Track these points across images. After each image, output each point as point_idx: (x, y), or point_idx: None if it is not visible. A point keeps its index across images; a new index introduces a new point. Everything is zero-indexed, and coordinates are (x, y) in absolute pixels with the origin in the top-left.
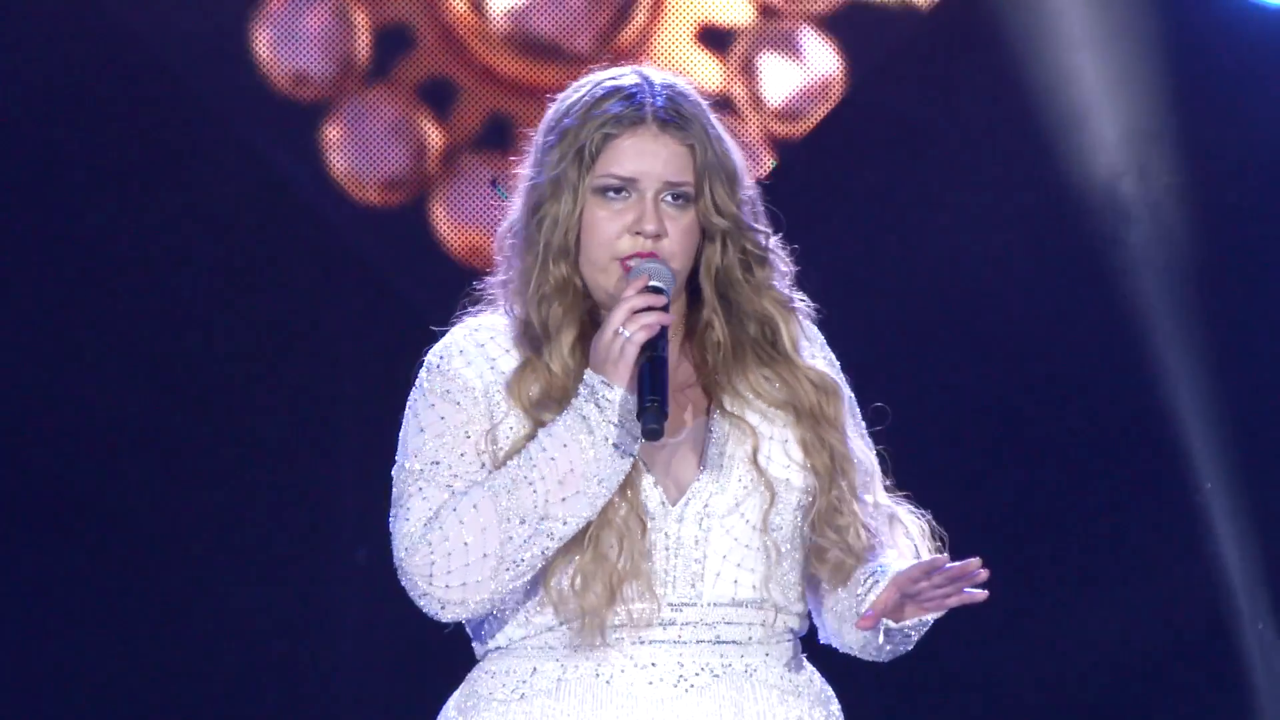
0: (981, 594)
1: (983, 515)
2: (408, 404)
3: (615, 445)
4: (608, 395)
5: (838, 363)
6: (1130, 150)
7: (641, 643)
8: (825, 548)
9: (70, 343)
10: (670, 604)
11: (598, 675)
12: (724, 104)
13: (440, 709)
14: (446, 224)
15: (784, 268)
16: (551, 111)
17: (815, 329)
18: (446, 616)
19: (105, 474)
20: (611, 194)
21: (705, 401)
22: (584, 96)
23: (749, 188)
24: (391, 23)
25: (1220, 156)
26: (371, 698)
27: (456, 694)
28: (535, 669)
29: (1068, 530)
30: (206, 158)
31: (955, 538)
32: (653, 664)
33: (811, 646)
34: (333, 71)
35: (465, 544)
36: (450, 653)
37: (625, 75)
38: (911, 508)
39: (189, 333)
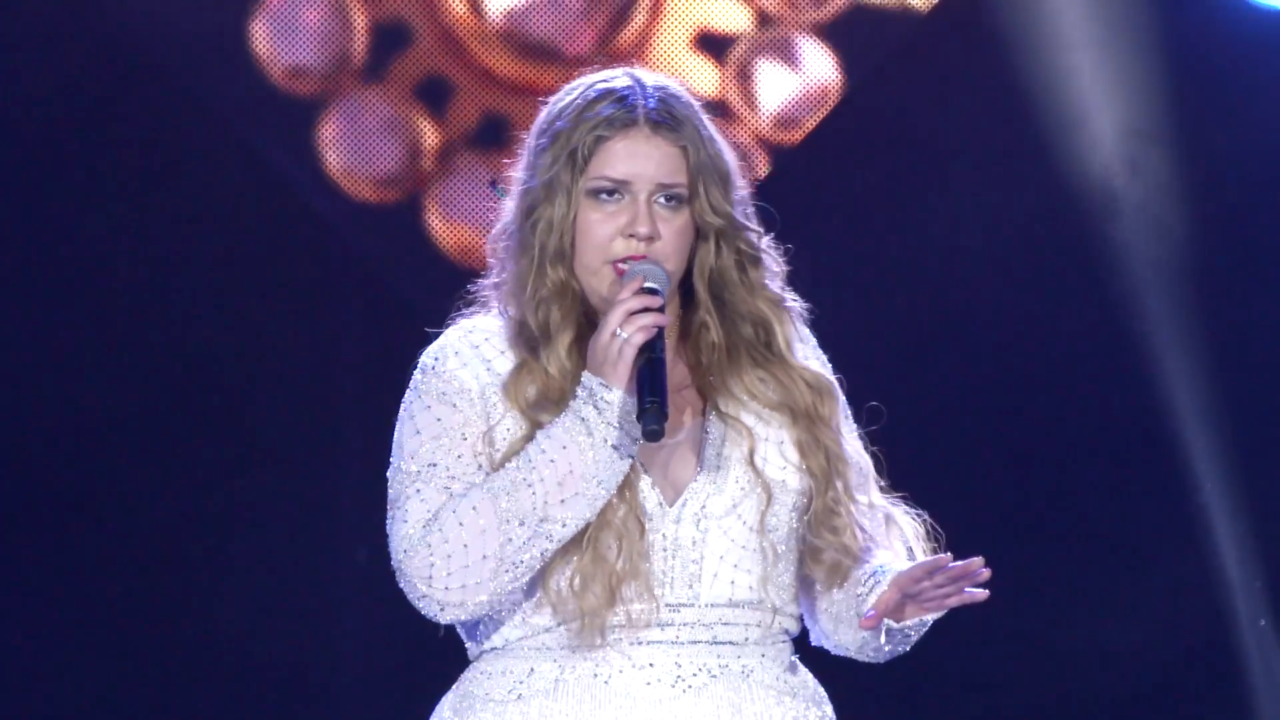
0: (982, 594)
1: (979, 516)
2: (402, 406)
3: (614, 447)
4: (606, 397)
5: (829, 364)
6: (1127, 151)
7: (639, 643)
8: (821, 549)
9: (65, 340)
10: (668, 605)
11: (596, 676)
12: (720, 109)
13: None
14: (440, 222)
15: (777, 268)
16: (544, 114)
17: (807, 330)
18: (446, 618)
19: (102, 473)
20: (604, 196)
21: (700, 403)
22: (576, 99)
23: (742, 188)
24: (389, 20)
25: (1217, 157)
26: (372, 697)
27: (450, 695)
28: (532, 669)
29: (1065, 531)
30: (202, 152)
31: (951, 539)
32: (650, 664)
33: (802, 649)
34: (330, 67)
35: (465, 546)
36: (450, 653)
37: (617, 77)
38: (907, 508)
39: (186, 330)
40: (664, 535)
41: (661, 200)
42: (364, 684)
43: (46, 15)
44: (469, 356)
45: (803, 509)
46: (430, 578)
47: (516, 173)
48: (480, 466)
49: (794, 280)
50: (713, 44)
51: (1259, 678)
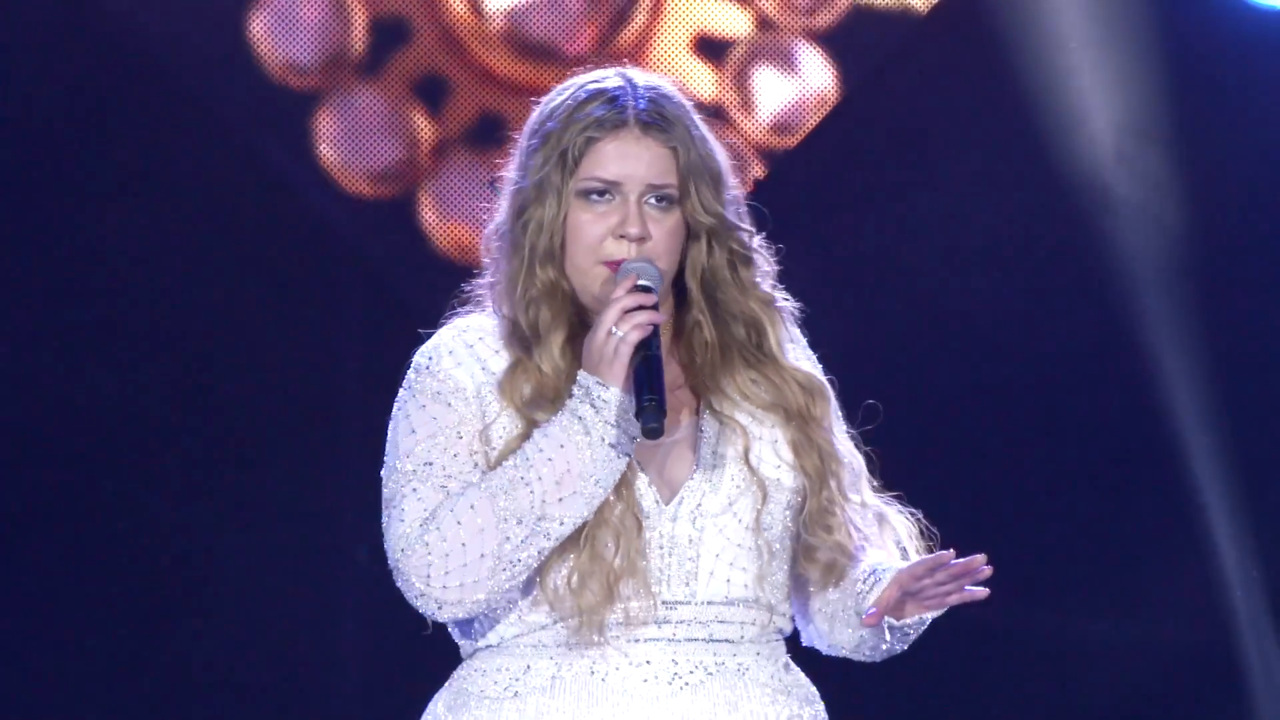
0: (983, 592)
1: (977, 517)
2: (396, 405)
3: (612, 445)
4: (603, 396)
5: (820, 364)
6: (1125, 151)
7: (636, 641)
8: (816, 547)
9: (60, 336)
10: (665, 602)
11: (593, 673)
12: (717, 113)
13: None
14: (434, 219)
15: (768, 267)
16: (535, 115)
17: (797, 330)
18: (443, 616)
19: (97, 472)
20: (595, 197)
21: (694, 402)
22: (566, 100)
23: (733, 188)
24: (389, 17)
25: (1215, 157)
26: (372, 697)
27: (444, 692)
28: (529, 667)
29: (1062, 531)
30: (199, 146)
31: (950, 539)
32: (647, 662)
33: (793, 649)
34: (328, 62)
35: (463, 544)
36: (451, 653)
37: (608, 78)
38: (900, 507)
39: (183, 328)
40: (660, 533)
41: (652, 201)
42: (364, 684)
43: (44, 8)
44: (463, 356)
45: (797, 508)
46: (428, 576)
47: (508, 173)
48: (476, 465)
49: (792, 281)
50: (711, 47)
51: (1258, 679)
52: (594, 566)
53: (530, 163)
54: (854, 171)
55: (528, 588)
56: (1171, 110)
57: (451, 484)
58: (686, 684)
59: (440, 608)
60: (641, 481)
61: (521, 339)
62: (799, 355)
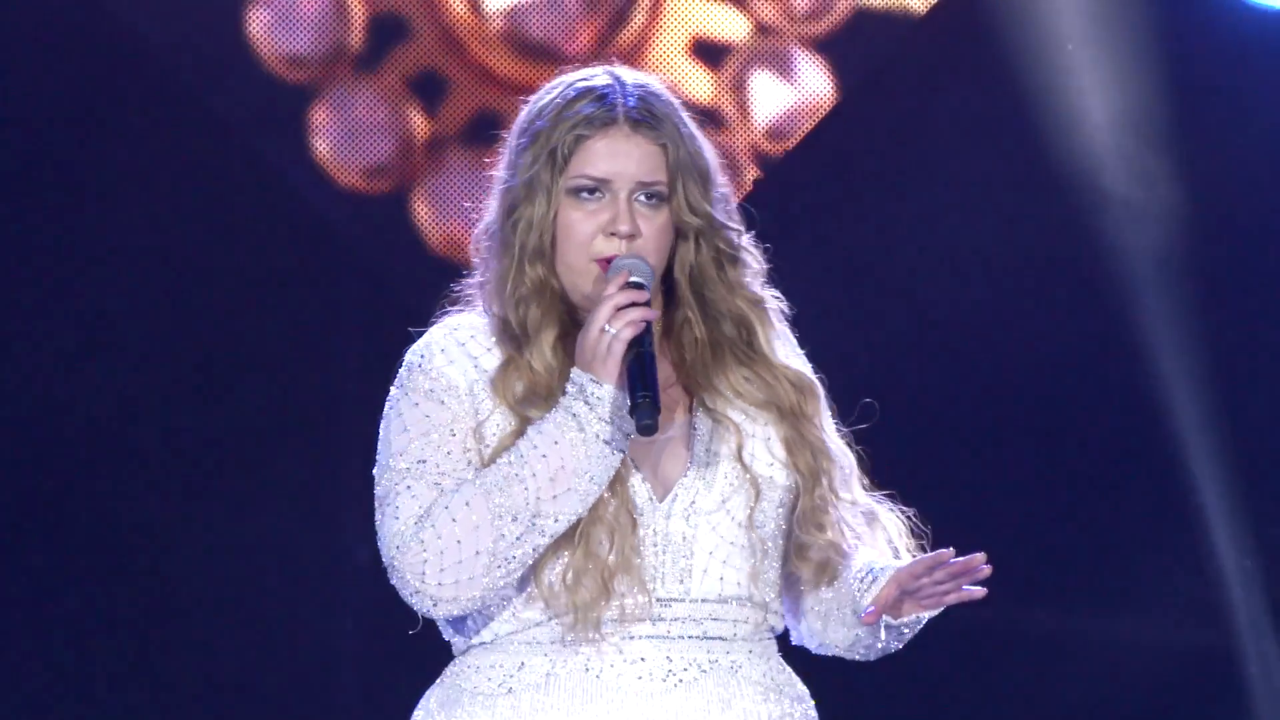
0: (980, 591)
1: (976, 517)
2: (388, 404)
3: (606, 442)
4: (597, 393)
5: (808, 363)
6: (1124, 152)
7: (631, 638)
8: (809, 545)
9: (57, 335)
10: (659, 599)
11: (587, 670)
12: (713, 117)
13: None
14: (427, 215)
15: (756, 265)
16: (524, 114)
17: (786, 328)
18: (439, 613)
19: (93, 472)
20: (585, 195)
21: (687, 400)
22: (555, 98)
23: (722, 186)
24: (388, 14)
25: (1213, 157)
26: (372, 697)
27: (435, 689)
28: (523, 664)
29: (1061, 531)
30: (194, 138)
31: (949, 540)
32: (642, 659)
33: (783, 648)
34: (326, 56)
35: (458, 542)
36: (448, 652)
37: (597, 76)
38: (891, 505)
39: (181, 327)
40: (655, 530)
41: (642, 198)
42: (364, 683)
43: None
44: (456, 354)
45: (789, 506)
46: (423, 574)
47: (497, 172)
48: (470, 463)
49: (793, 282)
50: (709, 51)
51: (1257, 679)
52: (588, 563)
53: (519, 161)
54: (853, 172)
55: (522, 585)
56: (1169, 110)
57: (445, 481)
58: (681, 681)
59: (435, 605)
60: (635, 479)
61: (513, 337)
62: (789, 354)
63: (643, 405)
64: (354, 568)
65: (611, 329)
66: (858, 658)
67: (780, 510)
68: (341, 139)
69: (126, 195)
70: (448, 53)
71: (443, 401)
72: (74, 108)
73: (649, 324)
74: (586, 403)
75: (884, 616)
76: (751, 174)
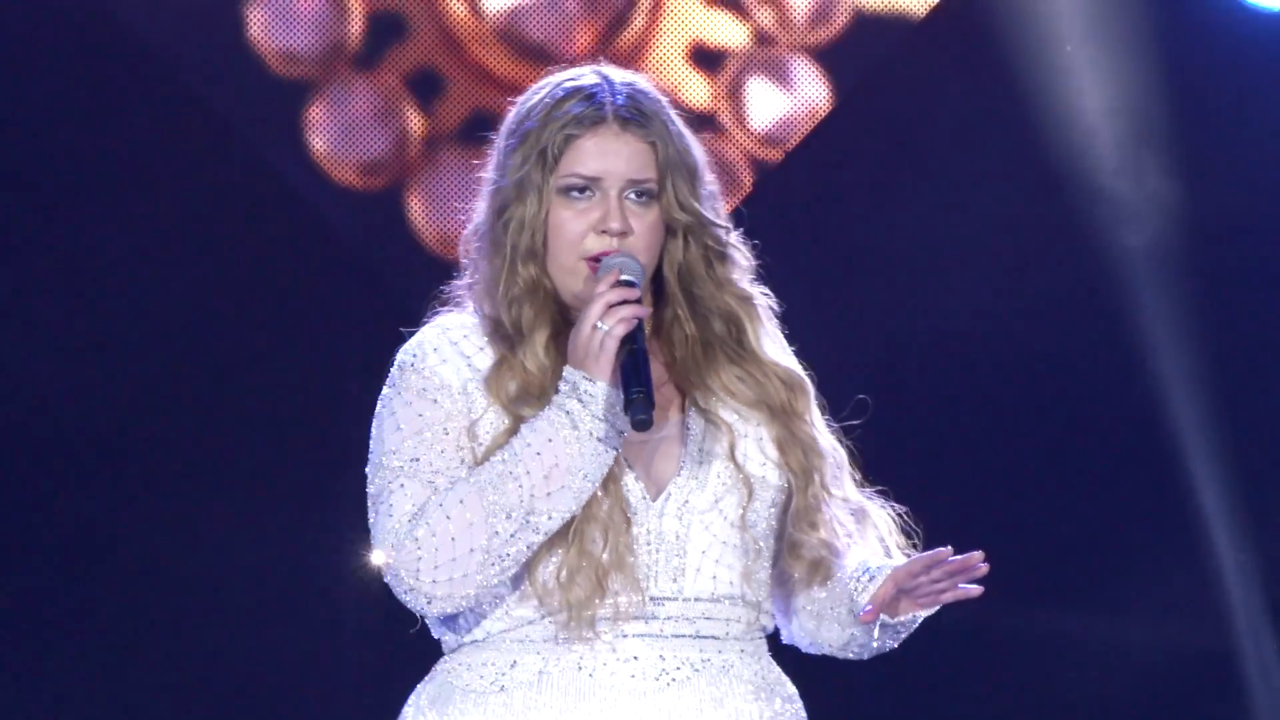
0: (976, 589)
1: (975, 517)
2: (380, 403)
3: (600, 439)
4: (590, 390)
5: (796, 360)
6: (1123, 152)
7: (624, 636)
8: (802, 544)
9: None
10: (652, 598)
11: (580, 668)
12: (708, 122)
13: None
14: (421, 213)
15: (745, 262)
16: (513, 114)
17: (774, 325)
18: (433, 611)
19: (96, 472)
20: (575, 194)
21: (679, 399)
22: (544, 98)
23: (709, 183)
24: (386, 11)
25: (1211, 158)
26: (372, 697)
27: (426, 685)
28: (515, 662)
29: (1060, 531)
30: (191, 133)
31: (945, 541)
32: (635, 658)
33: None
34: (323, 52)
35: (452, 539)
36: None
37: (585, 75)
38: (883, 502)
39: (179, 327)
40: (648, 529)
41: (632, 196)
42: (364, 683)
43: None
44: (448, 353)
45: (781, 505)
46: (418, 571)
47: (487, 173)
48: (463, 462)
49: (793, 282)
50: (707, 58)
51: (1256, 680)
52: (582, 561)
53: (509, 162)
54: (852, 173)
55: (515, 583)
56: (1167, 111)
57: (439, 480)
58: (673, 680)
59: (430, 602)
60: (629, 477)
61: (505, 337)
62: (776, 351)
63: (638, 400)
64: (352, 567)
65: (604, 326)
66: (851, 657)
67: (772, 510)
68: (338, 135)
69: (120, 187)
70: (446, 52)
71: (436, 400)
72: (71, 100)
73: (641, 321)
74: (580, 400)
75: (881, 615)
76: (747, 180)
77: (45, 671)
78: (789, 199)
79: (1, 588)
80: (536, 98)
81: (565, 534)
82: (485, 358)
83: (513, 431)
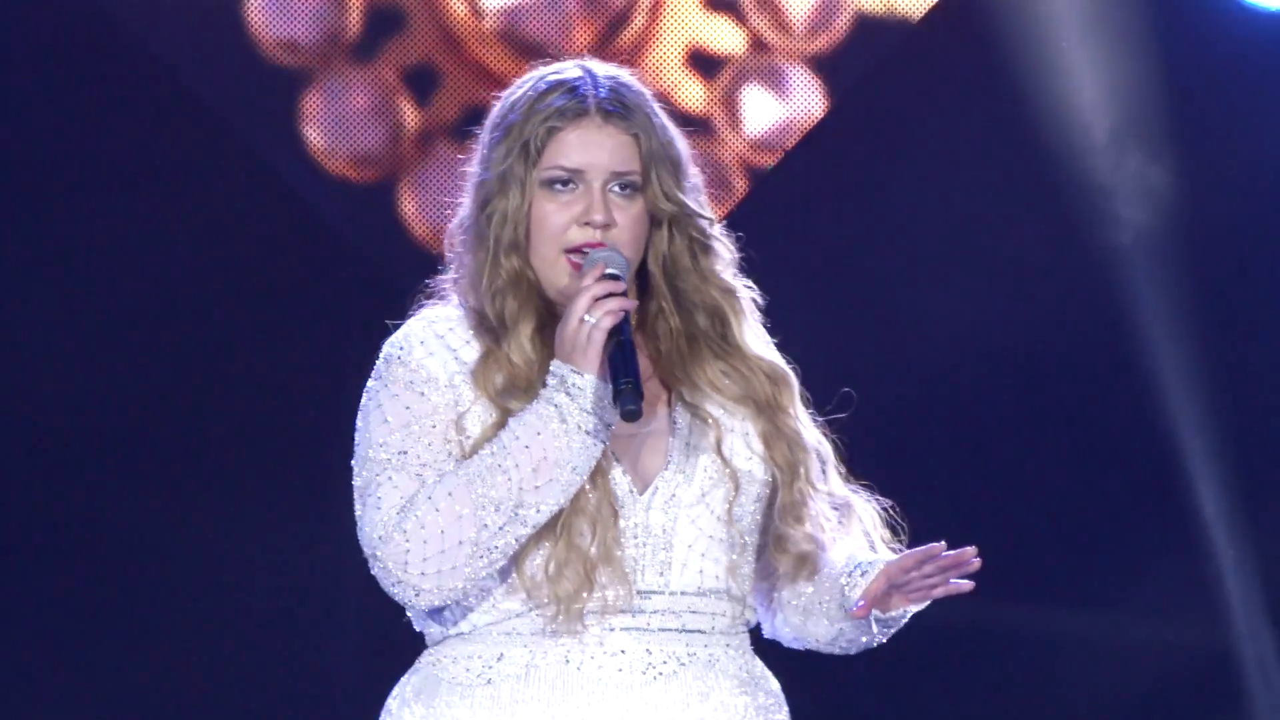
0: (967, 585)
1: (975, 517)
2: (366, 395)
3: (588, 432)
4: (578, 383)
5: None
6: (1120, 153)
7: (611, 630)
8: (788, 538)
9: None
10: (639, 592)
11: (567, 662)
12: (703, 126)
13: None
14: (412, 206)
15: (728, 255)
16: (496, 108)
17: (757, 318)
18: (421, 603)
19: (94, 471)
20: (559, 186)
21: (665, 393)
22: (527, 91)
23: (693, 175)
24: (385, 4)
25: (1210, 159)
26: (372, 697)
27: (410, 677)
28: (502, 654)
29: (1060, 531)
30: (186, 123)
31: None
32: (622, 651)
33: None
34: (321, 43)
35: (441, 532)
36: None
37: (568, 69)
38: (868, 496)
39: (179, 327)
40: (635, 523)
41: (616, 188)
42: (364, 683)
43: None
44: (435, 346)
45: (766, 500)
46: (406, 564)
47: (471, 167)
48: (451, 455)
49: (793, 282)
50: (704, 63)
51: (1255, 680)
52: (570, 554)
53: (492, 155)
54: (851, 173)
55: (503, 575)
56: (1166, 112)
57: (427, 473)
58: (660, 674)
59: (418, 595)
60: (616, 471)
61: (490, 330)
62: (759, 344)
63: (626, 391)
64: (352, 566)
65: (591, 318)
66: (837, 652)
67: (757, 504)
68: (332, 126)
69: (115, 176)
70: (444, 47)
71: (423, 393)
72: (63, 88)
73: (628, 314)
74: (568, 393)
75: (873, 610)
76: (741, 185)
77: (44, 671)
78: (789, 199)
79: (1, 587)
80: (520, 91)
81: (553, 527)
82: (471, 350)
83: (500, 425)
